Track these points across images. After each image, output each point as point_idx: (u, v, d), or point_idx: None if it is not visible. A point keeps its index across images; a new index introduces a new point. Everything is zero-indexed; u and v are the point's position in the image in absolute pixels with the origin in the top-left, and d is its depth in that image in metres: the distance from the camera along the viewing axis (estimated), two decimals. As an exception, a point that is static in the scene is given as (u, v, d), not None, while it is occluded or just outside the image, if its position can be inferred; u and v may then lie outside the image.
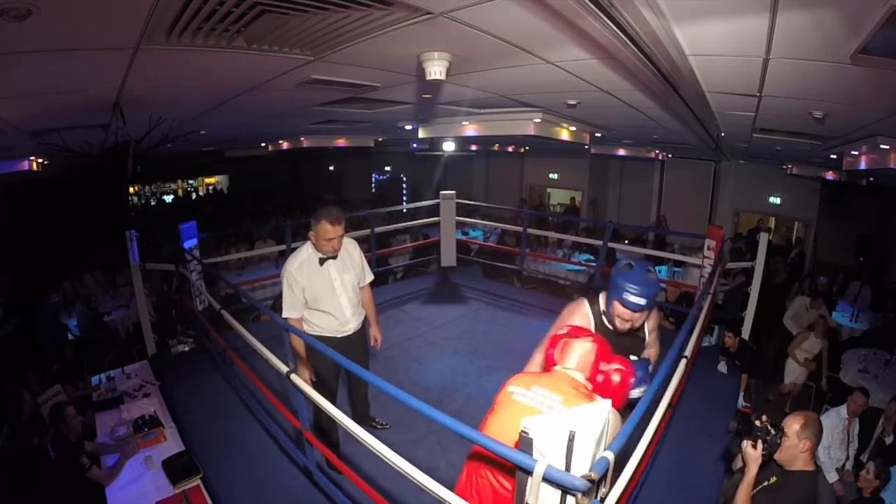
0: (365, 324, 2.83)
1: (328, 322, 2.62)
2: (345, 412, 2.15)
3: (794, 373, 5.22)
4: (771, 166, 9.10)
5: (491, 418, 1.54)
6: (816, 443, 1.95)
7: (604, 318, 2.01)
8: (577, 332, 1.68)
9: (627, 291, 1.81)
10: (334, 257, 2.59)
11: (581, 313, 2.04)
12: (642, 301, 1.81)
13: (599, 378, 1.60)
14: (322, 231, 2.47)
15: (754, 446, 1.94)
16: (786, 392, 5.28)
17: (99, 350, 5.23)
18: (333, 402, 2.69)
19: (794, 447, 1.94)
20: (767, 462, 1.98)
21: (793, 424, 1.95)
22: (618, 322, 1.92)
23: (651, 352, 2.14)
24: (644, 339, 2.10)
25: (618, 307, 1.87)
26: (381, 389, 1.75)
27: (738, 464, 2.26)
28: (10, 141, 3.89)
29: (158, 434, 2.97)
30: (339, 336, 2.66)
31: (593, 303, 2.04)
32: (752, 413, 2.22)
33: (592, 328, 1.99)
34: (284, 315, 2.56)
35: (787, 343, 5.47)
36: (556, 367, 1.61)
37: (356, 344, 2.74)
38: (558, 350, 1.63)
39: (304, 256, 2.58)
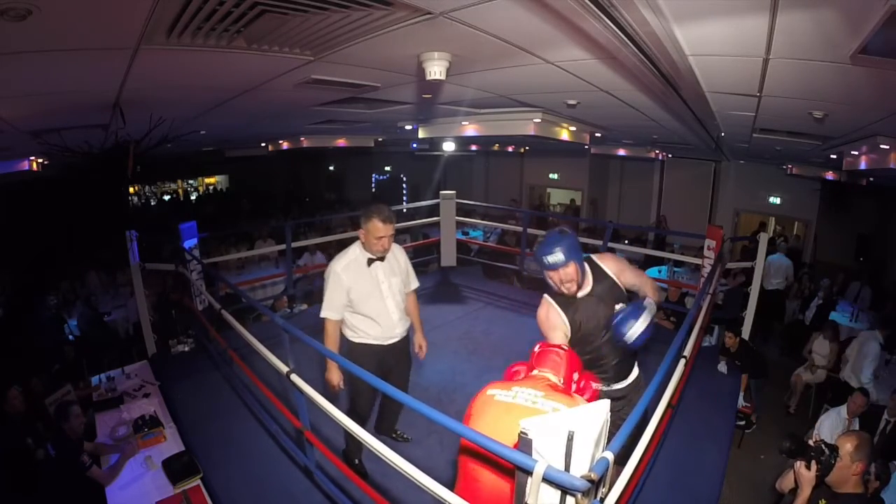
0: (409, 332, 2.73)
1: (373, 328, 2.51)
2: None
3: (810, 374, 5.34)
4: (771, 166, 9.09)
5: (473, 424, 1.49)
6: (869, 464, 1.88)
7: (558, 296, 2.06)
8: (548, 344, 1.77)
9: (542, 258, 1.91)
10: (382, 259, 2.50)
11: (550, 307, 2.07)
12: (557, 257, 1.88)
13: (574, 387, 1.67)
14: (373, 229, 2.38)
15: (808, 467, 1.86)
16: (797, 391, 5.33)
17: (99, 350, 5.23)
18: (368, 414, 2.64)
19: (846, 468, 1.85)
20: (819, 484, 1.89)
21: (845, 444, 1.87)
22: (564, 289, 1.96)
23: (647, 291, 2.08)
24: (614, 284, 2.08)
25: (550, 276, 1.95)
26: (381, 390, 1.76)
27: (785, 485, 2.16)
28: (10, 141, 3.89)
29: (158, 434, 2.97)
30: (384, 344, 2.56)
31: (550, 294, 2.09)
32: (753, 413, 2.23)
33: (560, 313, 2.04)
34: (323, 314, 2.46)
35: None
36: (532, 373, 1.67)
37: (400, 353, 2.67)
38: (534, 359, 1.72)
39: (351, 256, 2.48)
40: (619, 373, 2.12)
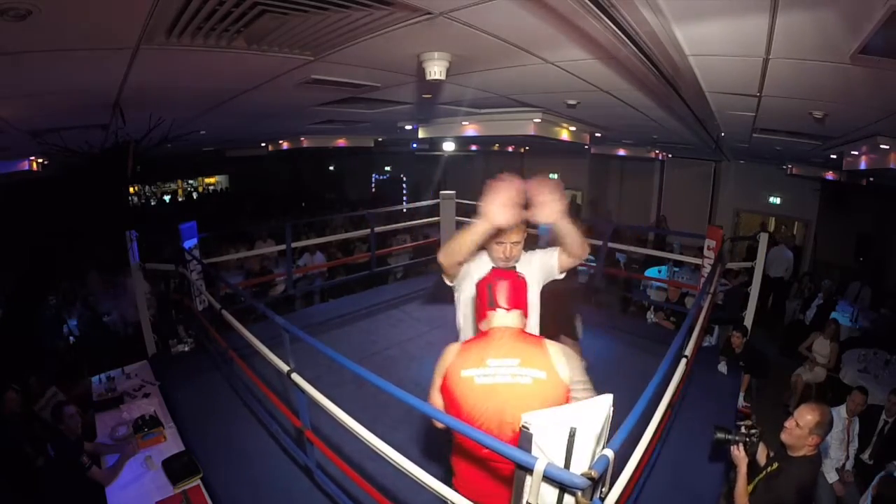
0: None
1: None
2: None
3: (810, 374, 5.34)
4: (771, 166, 9.09)
5: (460, 411, 1.45)
6: (824, 438, 2.14)
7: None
8: (497, 272, 1.59)
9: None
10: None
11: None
12: None
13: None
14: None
15: (738, 450, 2.18)
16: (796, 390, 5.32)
17: (99, 350, 5.23)
18: None
19: (803, 437, 2.11)
20: (752, 459, 2.21)
21: (806, 416, 2.11)
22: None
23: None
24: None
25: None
26: (382, 389, 1.76)
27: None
28: (10, 141, 3.89)
29: (158, 434, 2.97)
30: None
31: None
32: (752, 416, 2.33)
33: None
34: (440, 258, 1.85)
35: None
36: (492, 318, 1.50)
37: None
38: (491, 294, 1.51)
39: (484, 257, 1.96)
40: None
